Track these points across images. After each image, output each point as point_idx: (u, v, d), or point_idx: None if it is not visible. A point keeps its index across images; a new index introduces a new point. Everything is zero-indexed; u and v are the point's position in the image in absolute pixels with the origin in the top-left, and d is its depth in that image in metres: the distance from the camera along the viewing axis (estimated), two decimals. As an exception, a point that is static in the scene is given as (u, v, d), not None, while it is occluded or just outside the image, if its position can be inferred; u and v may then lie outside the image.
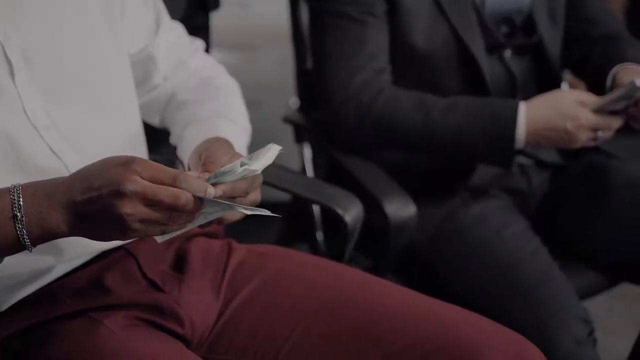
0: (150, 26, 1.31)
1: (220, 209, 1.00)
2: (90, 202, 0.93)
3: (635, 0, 3.07)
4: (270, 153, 1.00)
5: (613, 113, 1.51)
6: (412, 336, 1.12)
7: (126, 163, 0.94)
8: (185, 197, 0.94)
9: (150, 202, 0.93)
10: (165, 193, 0.93)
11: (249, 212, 0.98)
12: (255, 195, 1.07)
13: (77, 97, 1.14)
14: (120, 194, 0.92)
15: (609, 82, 1.61)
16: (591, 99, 1.52)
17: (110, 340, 1.07)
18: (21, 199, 0.94)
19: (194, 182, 0.95)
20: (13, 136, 1.06)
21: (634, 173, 1.67)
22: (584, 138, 1.51)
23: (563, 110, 1.52)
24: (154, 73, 1.33)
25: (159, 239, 1.02)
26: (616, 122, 1.52)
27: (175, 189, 0.94)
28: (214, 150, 1.11)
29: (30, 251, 0.97)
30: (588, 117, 1.50)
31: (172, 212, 0.95)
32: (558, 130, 1.51)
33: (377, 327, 1.14)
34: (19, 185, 0.95)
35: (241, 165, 0.99)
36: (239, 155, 1.12)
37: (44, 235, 0.96)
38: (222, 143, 1.16)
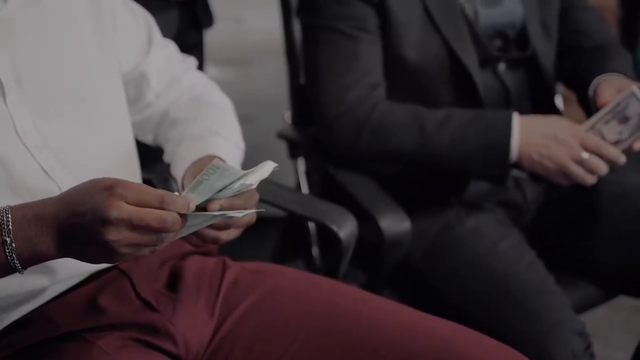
0: (142, 44, 1.31)
1: (208, 219, 0.99)
2: (75, 227, 0.92)
3: (628, 11, 3.08)
4: (265, 168, 1.01)
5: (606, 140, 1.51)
6: (407, 351, 1.11)
7: (110, 187, 0.92)
8: (172, 218, 0.93)
9: (137, 227, 0.91)
10: (152, 217, 0.91)
11: (239, 215, 0.98)
12: (251, 216, 1.07)
13: (69, 117, 1.13)
14: (104, 222, 0.90)
15: (590, 92, 1.61)
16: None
17: (104, 361, 1.07)
18: (10, 224, 0.93)
19: (179, 201, 0.94)
20: (4, 156, 1.05)
21: (628, 184, 1.66)
22: (572, 153, 1.49)
23: (556, 121, 1.54)
24: (147, 91, 1.33)
25: None
26: (610, 151, 1.49)
27: (162, 212, 0.92)
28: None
29: (22, 273, 0.96)
30: (580, 131, 1.50)
31: (160, 233, 0.94)
32: (548, 137, 1.51)
33: (372, 342, 1.13)
34: (8, 208, 0.94)
35: (235, 180, 0.99)
36: None
37: (35, 259, 0.95)
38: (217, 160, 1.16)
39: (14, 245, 0.93)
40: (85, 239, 0.93)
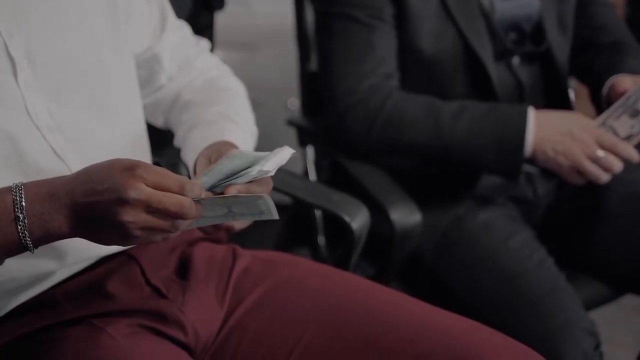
0: (155, 26, 1.30)
1: (220, 214, 0.98)
2: (91, 206, 0.91)
3: (636, 8, 3.06)
4: (283, 155, 0.99)
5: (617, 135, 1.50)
6: (421, 348, 1.10)
7: (130, 168, 0.91)
8: (189, 204, 0.92)
9: (154, 210, 0.91)
10: (170, 201, 0.91)
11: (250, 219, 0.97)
12: None
13: (79, 99, 1.11)
14: (122, 202, 0.90)
15: (604, 91, 1.60)
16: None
17: (113, 348, 1.05)
18: (23, 200, 0.92)
19: (197, 189, 0.94)
20: (15, 136, 1.03)
21: (639, 182, 1.65)
22: (588, 150, 1.48)
23: (571, 116, 1.54)
24: (159, 73, 1.31)
25: None
26: (624, 148, 1.49)
27: (181, 197, 0.92)
28: (224, 152, 1.09)
29: (32, 252, 0.94)
30: (595, 128, 1.49)
31: (175, 219, 0.93)
32: (563, 134, 1.50)
33: (385, 337, 1.12)
34: (21, 185, 0.93)
35: (251, 166, 0.97)
36: None
37: (46, 237, 0.94)
38: (230, 147, 1.14)
39: (26, 221, 0.91)
40: (101, 218, 0.91)
